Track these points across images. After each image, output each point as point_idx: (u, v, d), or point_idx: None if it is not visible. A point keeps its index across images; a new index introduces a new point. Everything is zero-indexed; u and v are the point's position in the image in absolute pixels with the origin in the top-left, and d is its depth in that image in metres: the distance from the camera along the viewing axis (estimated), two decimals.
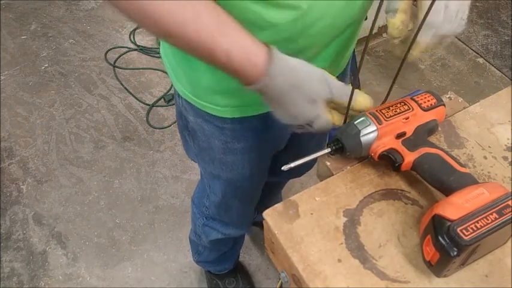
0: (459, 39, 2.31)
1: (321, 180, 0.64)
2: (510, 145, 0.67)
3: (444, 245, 0.49)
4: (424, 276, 0.53)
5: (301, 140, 0.99)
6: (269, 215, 0.59)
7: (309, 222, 0.58)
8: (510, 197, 0.51)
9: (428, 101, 0.63)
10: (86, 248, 1.58)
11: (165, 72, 2.08)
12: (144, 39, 2.28)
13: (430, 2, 0.54)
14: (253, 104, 0.75)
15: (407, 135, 0.61)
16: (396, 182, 0.62)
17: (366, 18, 0.71)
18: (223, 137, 0.83)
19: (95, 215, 1.66)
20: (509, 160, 0.65)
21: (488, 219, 0.49)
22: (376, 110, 0.61)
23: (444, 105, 0.65)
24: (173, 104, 1.95)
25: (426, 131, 0.63)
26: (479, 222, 0.49)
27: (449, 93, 0.75)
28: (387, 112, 0.61)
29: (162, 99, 2.02)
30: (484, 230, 0.48)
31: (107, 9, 2.43)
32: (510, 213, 0.50)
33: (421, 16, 0.56)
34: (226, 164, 0.91)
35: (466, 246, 0.48)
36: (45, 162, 1.81)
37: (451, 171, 0.57)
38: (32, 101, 2.02)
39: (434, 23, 0.57)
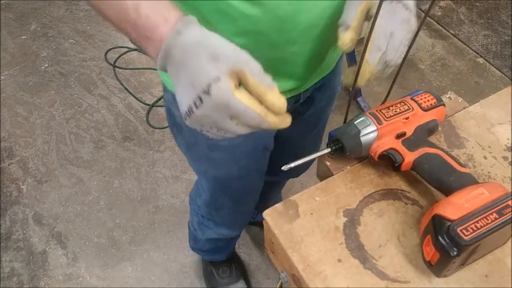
0: (459, 39, 2.31)
1: (321, 180, 0.64)
2: (510, 145, 0.67)
3: (444, 245, 0.49)
4: (424, 276, 0.53)
5: (293, 140, 0.98)
6: (269, 215, 0.59)
7: (309, 222, 0.58)
8: (510, 197, 0.51)
9: (428, 101, 0.63)
10: (86, 248, 1.58)
11: None
12: None
13: (376, 25, 0.54)
14: None
15: (407, 135, 0.61)
16: (396, 182, 0.62)
17: None
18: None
19: (95, 215, 1.66)
20: (509, 160, 0.65)
21: (488, 219, 0.49)
22: (376, 110, 0.61)
23: (444, 105, 0.65)
24: None
25: (426, 131, 0.63)
26: (479, 222, 0.49)
27: (449, 93, 0.75)
28: (387, 112, 0.61)
29: (162, 99, 2.02)
30: (484, 230, 0.48)
31: None
32: (510, 213, 0.50)
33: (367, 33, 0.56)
34: (213, 162, 0.91)
35: (466, 246, 0.48)
36: (45, 162, 1.81)
37: (451, 171, 0.57)
38: (32, 101, 2.02)
39: (380, 46, 0.57)
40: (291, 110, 0.51)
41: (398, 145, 0.60)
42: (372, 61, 0.57)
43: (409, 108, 0.61)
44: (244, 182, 0.99)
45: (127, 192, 1.72)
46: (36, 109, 1.99)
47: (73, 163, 1.80)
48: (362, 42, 0.58)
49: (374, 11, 0.56)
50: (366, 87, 2.05)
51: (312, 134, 1.04)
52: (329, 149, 0.62)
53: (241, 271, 1.50)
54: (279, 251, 0.58)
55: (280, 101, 0.49)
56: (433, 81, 2.12)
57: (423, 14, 0.57)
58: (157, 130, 1.91)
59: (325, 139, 0.65)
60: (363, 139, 0.59)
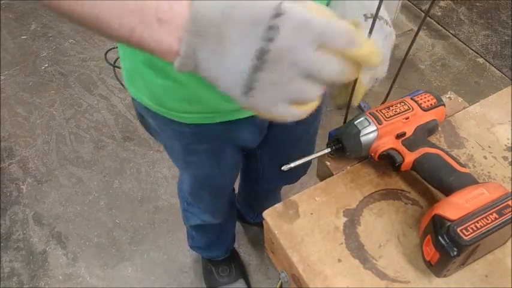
0: (459, 39, 2.31)
1: (321, 180, 0.64)
2: (510, 145, 0.67)
3: (444, 245, 0.49)
4: (424, 276, 0.53)
5: (284, 147, 0.98)
6: (269, 215, 0.59)
7: (309, 222, 0.58)
8: (510, 197, 0.51)
9: (428, 101, 0.63)
10: (86, 248, 1.58)
11: None
12: None
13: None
14: (213, 112, 0.74)
15: (407, 135, 0.61)
16: (396, 182, 0.62)
17: None
18: (183, 141, 0.83)
19: (95, 215, 1.66)
20: (509, 160, 0.65)
21: (488, 219, 0.49)
22: (376, 110, 0.61)
23: (444, 105, 0.65)
24: None
25: (426, 131, 0.63)
26: (479, 222, 0.49)
27: (449, 93, 0.75)
28: (387, 112, 0.61)
29: None
30: (484, 230, 0.48)
31: None
32: (510, 213, 0.50)
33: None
34: (191, 164, 0.92)
35: (466, 246, 0.48)
36: (45, 162, 1.81)
37: (451, 171, 0.57)
38: (32, 101, 2.02)
39: None
40: None
41: (398, 145, 0.60)
42: (365, 81, 0.57)
43: (409, 108, 0.61)
44: (223, 177, 1.00)
45: (127, 192, 1.72)
46: (36, 109, 1.99)
47: (73, 163, 1.80)
48: None
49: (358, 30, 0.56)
50: None
51: (304, 140, 1.04)
52: (329, 149, 0.62)
53: (241, 270, 1.50)
54: (279, 251, 0.58)
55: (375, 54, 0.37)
56: (433, 81, 2.12)
57: (423, 14, 0.57)
58: None
59: (325, 139, 0.65)
60: (363, 139, 0.59)
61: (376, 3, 0.50)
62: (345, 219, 0.58)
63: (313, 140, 1.10)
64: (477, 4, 2.50)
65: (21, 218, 1.65)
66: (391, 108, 0.61)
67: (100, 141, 1.87)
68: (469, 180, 0.56)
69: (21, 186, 1.74)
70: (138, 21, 0.37)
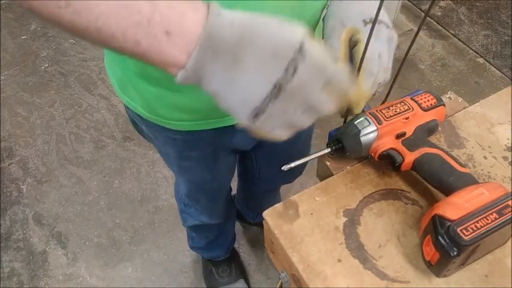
0: (459, 39, 2.31)
1: (321, 180, 0.64)
2: (510, 145, 0.67)
3: (444, 245, 0.49)
4: (424, 276, 0.53)
5: (280, 149, 0.97)
6: (269, 215, 0.59)
7: (309, 222, 0.58)
8: (510, 197, 0.51)
9: (428, 101, 0.63)
10: (86, 248, 1.58)
11: None
12: None
13: (364, 47, 0.54)
14: (204, 119, 0.74)
15: (407, 135, 0.61)
16: (396, 182, 0.62)
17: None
18: (176, 147, 0.83)
19: (95, 215, 1.66)
20: (509, 160, 0.65)
21: (488, 219, 0.49)
22: (376, 110, 0.61)
23: (444, 105, 0.65)
24: None
25: (426, 131, 0.63)
26: (479, 222, 0.49)
27: (449, 93, 0.75)
28: (387, 112, 0.61)
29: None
30: (484, 230, 0.48)
31: None
32: (510, 213, 0.50)
33: (358, 61, 0.56)
34: (185, 169, 0.93)
35: (466, 246, 0.48)
36: (45, 162, 1.81)
37: (451, 171, 0.57)
38: (32, 101, 2.02)
39: (373, 71, 0.57)
40: None
41: (398, 145, 0.60)
42: (366, 87, 0.57)
43: (409, 108, 0.61)
44: (218, 182, 1.01)
45: (127, 192, 1.72)
46: (36, 109, 1.99)
47: (73, 163, 1.80)
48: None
49: (358, 36, 0.56)
50: None
51: (300, 142, 1.04)
52: (329, 149, 0.62)
53: (241, 271, 1.50)
54: (279, 251, 0.58)
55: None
56: (433, 81, 2.12)
57: (423, 14, 0.57)
58: None
59: (325, 139, 0.65)
60: (363, 139, 0.59)
61: (376, 4, 0.50)
62: (345, 219, 0.58)
63: (309, 137, 1.10)
64: (477, 4, 2.50)
65: (21, 218, 1.65)
66: (391, 108, 0.61)
67: (100, 141, 1.87)
68: (469, 180, 0.56)
69: (21, 186, 1.74)
70: (144, 34, 0.37)
